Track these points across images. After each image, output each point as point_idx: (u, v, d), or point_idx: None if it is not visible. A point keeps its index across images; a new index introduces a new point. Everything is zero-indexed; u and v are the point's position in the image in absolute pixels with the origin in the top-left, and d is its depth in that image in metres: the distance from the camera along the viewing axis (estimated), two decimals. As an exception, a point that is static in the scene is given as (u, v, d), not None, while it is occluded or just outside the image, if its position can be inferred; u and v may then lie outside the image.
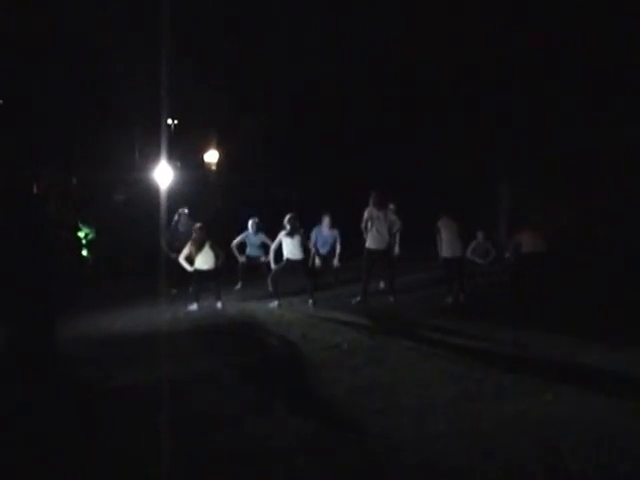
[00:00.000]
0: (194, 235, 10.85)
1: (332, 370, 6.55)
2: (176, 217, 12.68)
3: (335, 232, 12.04)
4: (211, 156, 21.40)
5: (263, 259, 12.26)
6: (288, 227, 10.65)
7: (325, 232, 12.01)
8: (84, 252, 12.79)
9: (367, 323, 8.99)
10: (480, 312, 9.56)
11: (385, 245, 10.77)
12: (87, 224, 12.90)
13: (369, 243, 10.76)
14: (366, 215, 10.90)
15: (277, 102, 19.41)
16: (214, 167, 21.28)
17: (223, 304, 10.74)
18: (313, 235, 11.95)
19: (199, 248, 10.72)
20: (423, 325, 8.70)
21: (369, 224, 10.78)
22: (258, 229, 12.44)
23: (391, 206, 11.93)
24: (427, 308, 10.04)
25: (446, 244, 10.61)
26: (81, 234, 12.83)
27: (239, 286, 12.51)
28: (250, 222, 12.39)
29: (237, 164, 20.28)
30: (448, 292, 10.61)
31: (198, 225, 11.00)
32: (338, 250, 11.89)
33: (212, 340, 8.33)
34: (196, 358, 7.32)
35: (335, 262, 11.91)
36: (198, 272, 10.72)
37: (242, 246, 12.56)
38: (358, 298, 10.66)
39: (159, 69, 15.04)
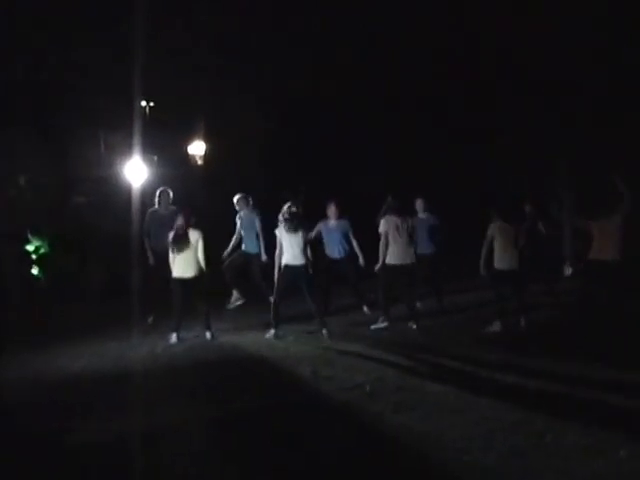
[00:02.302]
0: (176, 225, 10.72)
1: (351, 418, 6.51)
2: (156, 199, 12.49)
3: (345, 223, 11.98)
4: (196, 148, 21.43)
5: (264, 258, 12.18)
6: (287, 219, 10.59)
7: (332, 224, 11.96)
8: (35, 270, 12.84)
9: (394, 357, 8.94)
10: (537, 342, 9.49)
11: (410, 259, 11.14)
12: (39, 234, 12.95)
13: (389, 259, 11.10)
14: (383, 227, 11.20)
15: (277, 87, 19.71)
16: (200, 161, 21.30)
17: (213, 335, 10.73)
18: (317, 231, 11.95)
19: (182, 245, 10.63)
20: (464, 359, 8.63)
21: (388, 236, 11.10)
22: (253, 207, 12.36)
23: (418, 202, 12.20)
24: (469, 337, 10.02)
25: (499, 254, 10.64)
26: (31, 247, 12.91)
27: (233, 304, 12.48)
28: (236, 198, 12.36)
29: (230, 158, 20.34)
30: (499, 317, 10.54)
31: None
32: (356, 246, 11.83)
33: (198, 382, 8.30)
34: (177, 406, 7.29)
35: (361, 261, 11.83)
36: (180, 282, 10.68)
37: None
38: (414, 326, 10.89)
39: (130, 35, 15.09)
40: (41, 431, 6.61)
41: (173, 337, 10.58)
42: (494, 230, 10.66)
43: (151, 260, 12.10)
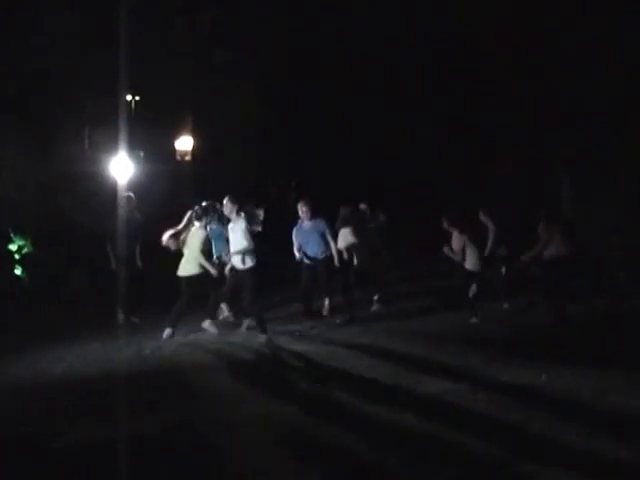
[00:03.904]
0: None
1: (344, 420, 6.48)
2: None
3: (320, 222, 11.88)
4: (184, 143, 21.39)
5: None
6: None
7: (306, 225, 11.85)
8: (17, 270, 12.79)
9: (387, 358, 8.94)
10: (528, 344, 9.49)
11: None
12: (22, 233, 12.90)
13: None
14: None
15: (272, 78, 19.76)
16: (188, 157, 21.28)
17: (172, 334, 10.75)
18: (294, 236, 11.91)
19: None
20: (458, 360, 8.64)
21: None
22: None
23: (362, 206, 12.43)
24: (460, 338, 10.07)
25: (475, 255, 11.30)
26: (13, 247, 12.86)
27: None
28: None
29: (219, 153, 20.32)
30: (471, 312, 11.12)
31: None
32: (333, 246, 11.76)
33: (184, 385, 8.31)
34: (163, 410, 7.29)
35: (336, 262, 11.81)
36: (179, 279, 10.82)
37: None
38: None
39: (115, 27, 15.04)
40: (26, 435, 6.58)
41: (167, 331, 10.63)
42: (464, 238, 11.29)
43: (114, 264, 12.14)
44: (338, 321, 11.42)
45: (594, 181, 17.25)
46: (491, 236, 12.05)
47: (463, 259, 11.26)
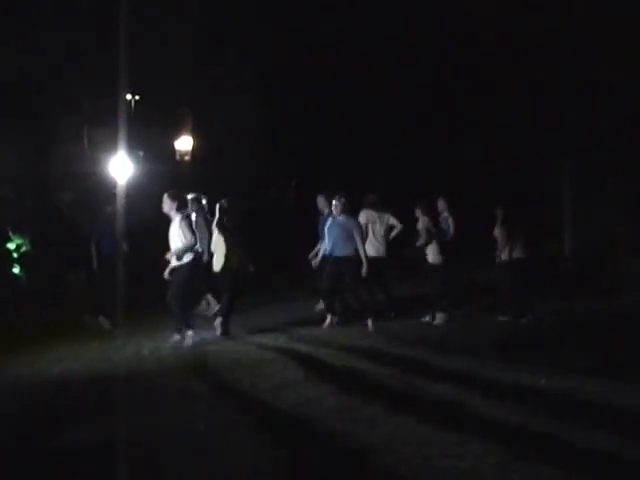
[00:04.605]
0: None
1: (342, 423, 6.48)
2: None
3: (350, 221, 11.62)
4: (184, 143, 21.38)
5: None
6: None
7: (336, 221, 11.56)
8: (15, 269, 12.77)
9: (387, 360, 8.94)
10: (527, 347, 9.51)
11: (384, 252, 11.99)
12: (20, 232, 12.88)
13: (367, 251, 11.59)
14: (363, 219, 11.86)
15: (272, 77, 19.77)
16: (188, 157, 21.27)
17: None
18: (321, 226, 11.88)
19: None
20: (456, 362, 8.68)
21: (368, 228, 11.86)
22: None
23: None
24: (456, 340, 10.14)
25: (435, 247, 11.67)
26: (12, 245, 12.84)
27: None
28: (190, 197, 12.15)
29: (218, 154, 20.32)
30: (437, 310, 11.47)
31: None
32: (362, 251, 11.43)
33: (183, 385, 8.28)
34: (162, 410, 7.28)
35: (363, 271, 11.37)
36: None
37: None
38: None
39: (115, 26, 15.02)
40: (26, 435, 6.56)
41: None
42: (429, 223, 11.59)
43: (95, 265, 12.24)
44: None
45: (594, 181, 17.29)
46: (450, 224, 12.06)
47: (429, 241, 11.45)
